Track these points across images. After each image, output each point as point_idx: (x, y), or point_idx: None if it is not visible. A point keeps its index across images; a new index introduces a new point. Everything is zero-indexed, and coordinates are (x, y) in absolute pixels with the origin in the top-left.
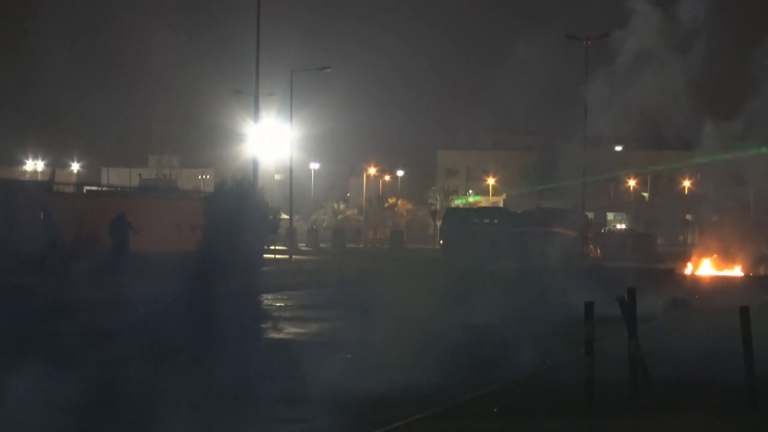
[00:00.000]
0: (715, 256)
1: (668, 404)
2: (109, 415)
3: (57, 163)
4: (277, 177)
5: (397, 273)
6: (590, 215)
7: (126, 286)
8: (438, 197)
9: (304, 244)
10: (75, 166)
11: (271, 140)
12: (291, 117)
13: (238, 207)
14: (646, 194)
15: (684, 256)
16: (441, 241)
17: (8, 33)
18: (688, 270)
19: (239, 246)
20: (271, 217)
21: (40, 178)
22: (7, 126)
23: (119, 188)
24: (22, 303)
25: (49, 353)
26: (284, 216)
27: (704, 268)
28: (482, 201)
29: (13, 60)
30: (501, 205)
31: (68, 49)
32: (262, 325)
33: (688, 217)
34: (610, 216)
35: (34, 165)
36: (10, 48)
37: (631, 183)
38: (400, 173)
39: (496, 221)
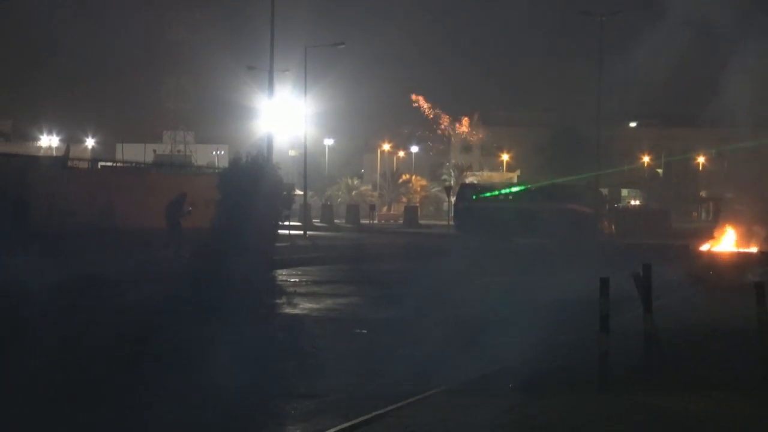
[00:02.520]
0: (732, 232)
1: (683, 380)
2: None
3: (71, 139)
4: (292, 153)
5: (410, 249)
6: (604, 191)
7: (150, 264)
8: (452, 173)
9: (318, 220)
10: (90, 142)
11: (285, 116)
12: (305, 93)
13: (253, 183)
14: (660, 171)
15: (698, 233)
16: (454, 218)
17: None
18: (704, 246)
19: (254, 222)
20: (285, 193)
21: (54, 153)
22: (22, 102)
23: (134, 164)
24: None
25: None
26: (299, 192)
27: (720, 244)
28: (496, 177)
29: (27, 36)
30: (515, 181)
31: (83, 24)
32: (277, 301)
33: (703, 194)
34: (624, 192)
35: (49, 141)
36: (25, 23)
37: (645, 159)
38: (414, 149)
39: (510, 198)
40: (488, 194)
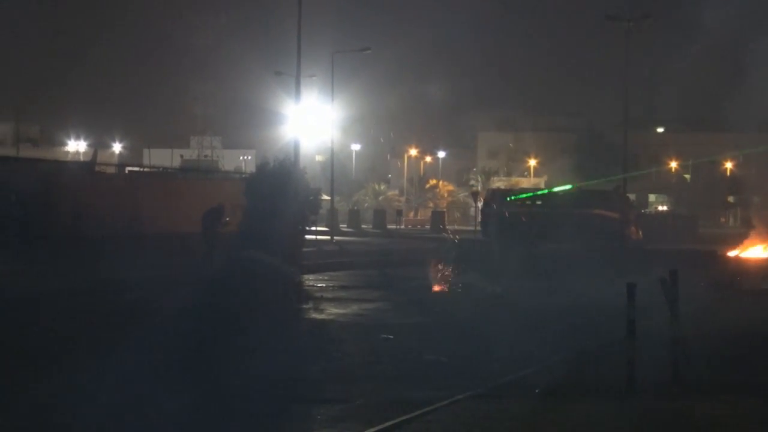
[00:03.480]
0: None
1: (710, 386)
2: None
3: (99, 144)
4: (319, 158)
5: (437, 254)
6: (632, 197)
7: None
8: (479, 178)
9: (345, 225)
10: (117, 147)
11: (312, 121)
12: (332, 98)
13: (280, 188)
14: (687, 176)
15: (726, 238)
16: (481, 223)
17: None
18: (732, 252)
19: (281, 227)
20: (312, 197)
21: (82, 158)
22: (51, 107)
23: (161, 169)
24: None
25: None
26: (325, 197)
27: (748, 250)
28: (523, 182)
29: (56, 42)
30: (542, 186)
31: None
32: (304, 306)
33: (730, 199)
34: (651, 198)
35: (77, 146)
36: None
37: (673, 165)
38: (441, 154)
39: (537, 202)
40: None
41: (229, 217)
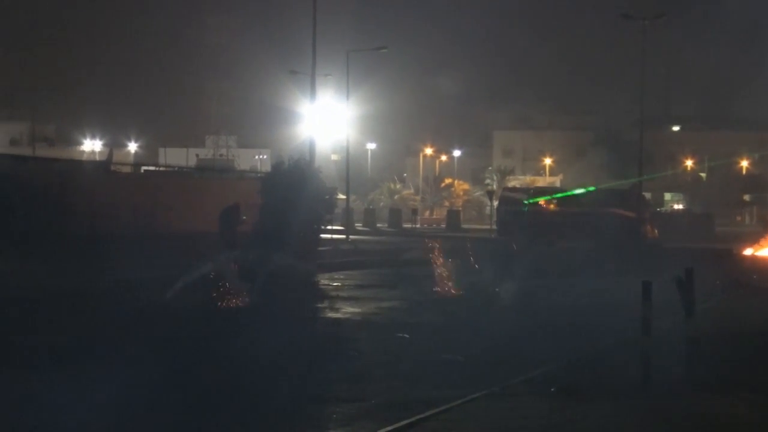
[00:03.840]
0: None
1: (725, 384)
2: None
3: (114, 143)
4: (334, 157)
5: (453, 253)
6: (647, 195)
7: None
8: (494, 177)
9: (360, 224)
10: (132, 146)
11: (327, 120)
12: (347, 97)
13: (295, 187)
14: (703, 174)
15: (742, 237)
16: (497, 221)
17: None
18: (747, 250)
19: (296, 226)
20: (327, 197)
21: (97, 158)
22: (66, 106)
23: (176, 168)
24: None
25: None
26: (341, 196)
27: (764, 249)
28: (539, 181)
29: (71, 41)
30: (557, 185)
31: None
32: (319, 305)
33: (746, 197)
34: (667, 196)
35: (92, 145)
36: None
37: (689, 163)
38: (456, 153)
39: (554, 201)
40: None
41: (245, 216)
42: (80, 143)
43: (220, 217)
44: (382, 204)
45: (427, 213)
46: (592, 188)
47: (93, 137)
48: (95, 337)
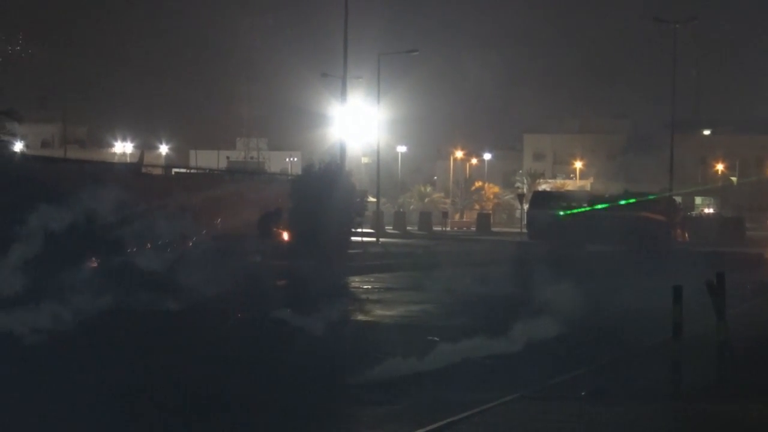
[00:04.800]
0: None
1: (756, 389)
2: None
3: (145, 146)
4: (364, 160)
5: (484, 256)
6: (678, 199)
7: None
8: (525, 180)
9: (390, 227)
10: (163, 149)
11: (358, 123)
12: (378, 100)
13: (326, 190)
14: (734, 178)
15: None
16: (527, 225)
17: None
18: None
19: (327, 228)
20: (358, 199)
21: (128, 160)
22: (97, 108)
23: (207, 170)
24: None
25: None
26: (371, 199)
27: None
28: (569, 184)
29: (102, 43)
30: (588, 188)
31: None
32: (349, 308)
33: None
34: (698, 200)
35: (123, 147)
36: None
37: (719, 167)
38: (487, 156)
39: (584, 205)
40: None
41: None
42: (111, 145)
43: (260, 220)
44: (412, 207)
45: (458, 216)
46: (632, 200)
47: (124, 139)
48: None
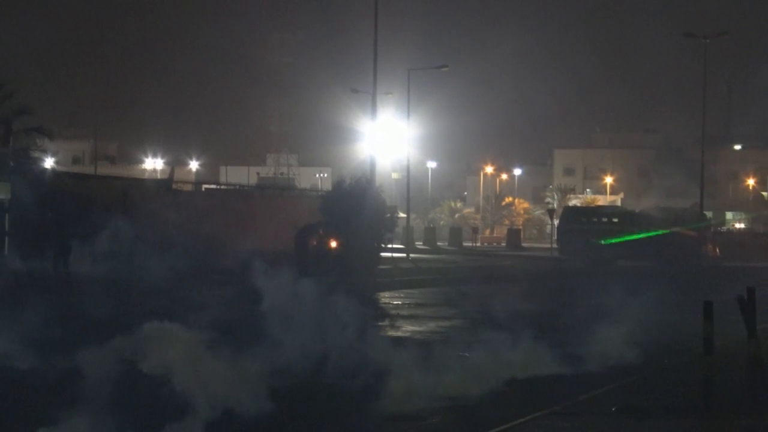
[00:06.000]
0: None
1: None
2: None
3: (176, 162)
4: (395, 176)
5: (514, 271)
6: (708, 214)
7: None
8: (555, 196)
9: (421, 243)
10: (194, 165)
11: (388, 139)
12: (408, 115)
13: (356, 205)
14: (765, 193)
15: None
16: (558, 240)
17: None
18: None
19: (357, 244)
20: (388, 215)
21: (159, 176)
22: (128, 125)
23: (237, 186)
24: None
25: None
26: (401, 214)
27: None
28: (599, 200)
29: (133, 61)
30: (618, 204)
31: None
32: (380, 323)
33: None
34: (728, 215)
35: (154, 163)
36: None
37: (750, 182)
38: (517, 171)
39: (614, 220)
40: (592, 217)
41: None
42: (141, 161)
43: (297, 235)
44: (442, 222)
45: (488, 231)
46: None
47: (154, 155)
48: None
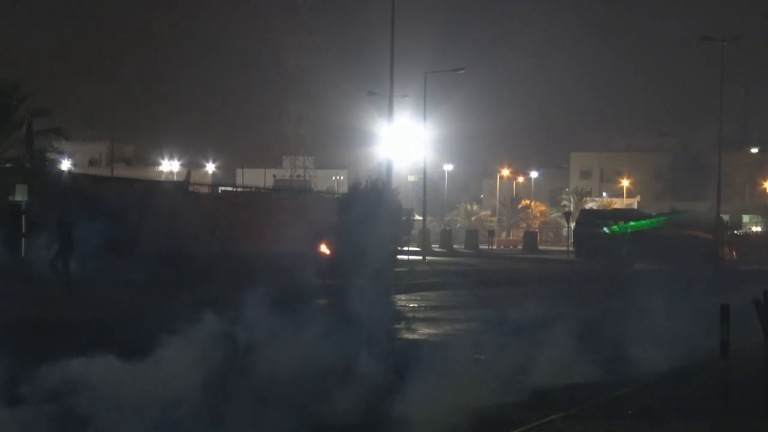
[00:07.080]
0: None
1: None
2: None
3: (192, 164)
4: (411, 178)
5: (531, 274)
6: (725, 217)
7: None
8: (571, 199)
9: (437, 245)
10: (210, 167)
11: (404, 141)
12: (425, 118)
13: (372, 208)
14: None
15: None
16: (574, 243)
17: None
18: None
19: (373, 246)
20: (404, 218)
21: (175, 178)
22: (144, 127)
23: (254, 189)
24: None
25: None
26: (418, 217)
27: None
28: (616, 203)
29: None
30: (635, 207)
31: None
32: (396, 326)
33: None
34: (745, 218)
35: (170, 165)
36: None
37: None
38: (533, 174)
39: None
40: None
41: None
42: (158, 164)
43: (313, 238)
44: (458, 225)
45: (504, 234)
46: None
47: (171, 158)
48: None
